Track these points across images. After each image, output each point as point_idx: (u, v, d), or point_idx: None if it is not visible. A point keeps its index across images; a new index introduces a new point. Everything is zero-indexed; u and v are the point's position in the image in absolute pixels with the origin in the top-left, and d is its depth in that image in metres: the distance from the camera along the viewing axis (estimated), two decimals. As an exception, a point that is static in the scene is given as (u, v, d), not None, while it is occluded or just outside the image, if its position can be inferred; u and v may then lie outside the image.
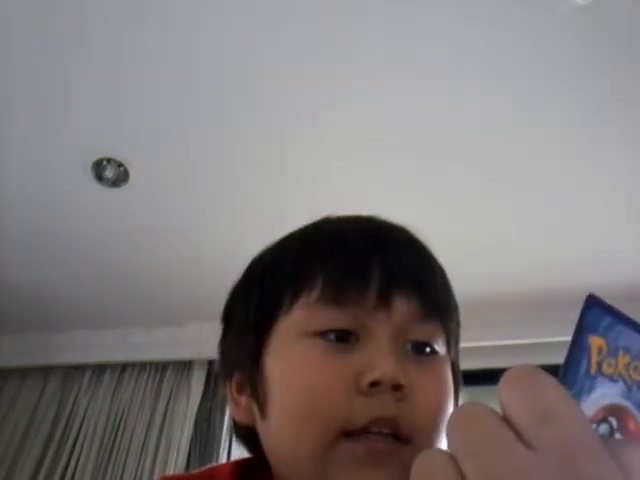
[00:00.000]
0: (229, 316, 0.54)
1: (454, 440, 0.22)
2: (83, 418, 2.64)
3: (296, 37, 1.49)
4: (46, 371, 2.84)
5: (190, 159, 1.88)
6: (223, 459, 2.41)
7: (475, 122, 1.66)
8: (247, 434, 0.50)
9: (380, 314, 0.44)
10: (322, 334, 0.44)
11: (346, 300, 0.44)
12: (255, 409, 0.48)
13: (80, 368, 2.80)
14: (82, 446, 2.56)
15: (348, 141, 1.76)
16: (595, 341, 0.25)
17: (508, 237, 2.04)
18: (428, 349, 0.46)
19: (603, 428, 0.25)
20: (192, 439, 2.45)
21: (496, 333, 2.16)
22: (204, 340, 2.54)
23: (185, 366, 2.65)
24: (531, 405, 0.22)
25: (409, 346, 0.45)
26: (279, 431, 0.45)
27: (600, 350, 0.25)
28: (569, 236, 2.00)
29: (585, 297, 0.26)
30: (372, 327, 0.44)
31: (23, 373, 2.88)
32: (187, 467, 2.38)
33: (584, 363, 0.25)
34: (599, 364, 0.25)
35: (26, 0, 1.46)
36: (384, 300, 0.44)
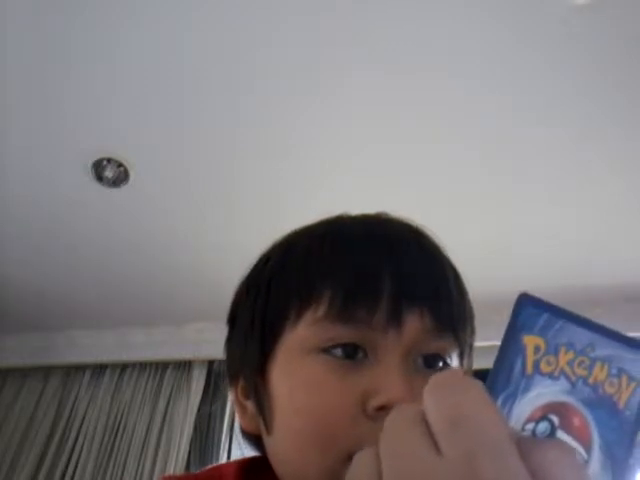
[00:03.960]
0: (235, 318, 0.52)
1: (382, 440, 0.23)
2: (83, 418, 2.65)
3: (296, 37, 1.49)
4: (46, 371, 2.85)
5: (190, 159, 1.88)
6: (223, 459, 2.41)
7: (474, 122, 1.66)
8: (254, 438, 0.49)
9: (390, 332, 0.42)
10: (328, 350, 0.42)
11: (354, 318, 0.42)
12: (260, 421, 0.47)
13: (80, 368, 2.80)
14: (82, 446, 2.56)
15: (349, 141, 1.76)
16: (531, 340, 0.25)
17: (508, 237, 2.04)
18: (440, 363, 0.44)
19: (542, 426, 0.25)
20: (192, 439, 2.45)
21: (494, 333, 2.16)
22: (204, 340, 2.55)
23: (185, 366, 2.65)
24: (445, 411, 0.22)
25: (420, 360, 0.43)
26: (284, 449, 0.44)
27: (537, 349, 0.25)
28: (569, 236, 2.00)
29: (517, 296, 0.26)
30: (381, 345, 0.42)
31: (23, 373, 2.88)
32: (187, 467, 2.38)
33: (518, 363, 0.25)
34: (536, 363, 0.25)
35: (24, 0, 1.46)
36: (395, 318, 0.42)
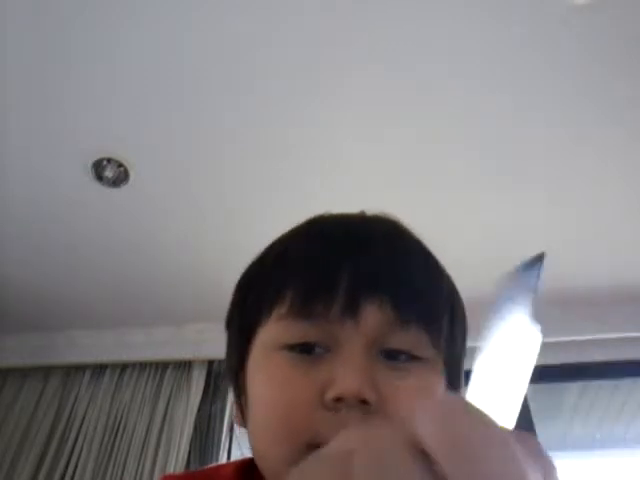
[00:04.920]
0: (228, 321, 0.55)
1: (361, 470, 0.21)
2: (83, 418, 2.64)
3: (296, 37, 1.49)
4: (46, 371, 2.84)
5: (190, 159, 1.88)
6: (223, 459, 2.41)
7: (475, 122, 1.66)
8: None
9: (347, 325, 0.43)
10: (291, 347, 0.44)
11: (312, 312, 0.43)
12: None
13: (80, 368, 2.80)
14: (82, 446, 2.55)
15: (349, 141, 1.76)
16: None
17: (508, 237, 2.04)
18: (403, 356, 0.44)
19: None
20: (192, 439, 2.44)
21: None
22: (204, 340, 2.55)
23: (185, 366, 2.65)
24: (445, 437, 0.21)
25: (382, 355, 0.44)
26: (257, 443, 0.46)
27: None
28: (568, 235, 2.00)
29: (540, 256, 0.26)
30: (340, 338, 0.43)
31: (23, 373, 2.88)
32: (187, 467, 2.38)
33: None
34: None
35: (24, 0, 1.46)
36: (350, 310, 0.43)
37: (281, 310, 0.45)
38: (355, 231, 0.49)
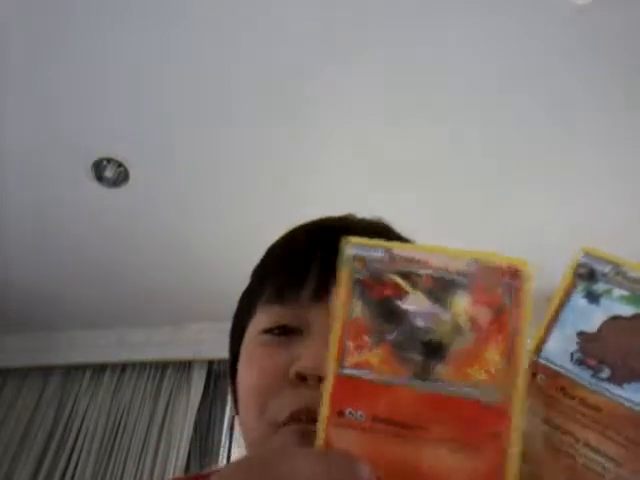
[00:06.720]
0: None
1: None
2: (83, 418, 2.65)
3: (298, 36, 1.50)
4: (46, 371, 2.85)
5: (190, 159, 1.88)
6: (223, 459, 2.41)
7: (472, 119, 1.67)
8: None
9: (316, 308, 0.46)
10: (268, 330, 0.48)
11: (285, 298, 0.48)
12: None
13: (80, 368, 2.80)
14: (82, 446, 2.56)
15: (353, 140, 1.76)
16: None
17: (507, 236, 2.04)
18: None
19: None
20: (192, 439, 2.45)
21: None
22: (204, 340, 2.55)
23: (185, 366, 2.65)
24: None
25: None
26: (241, 427, 0.49)
27: None
28: (568, 233, 2.00)
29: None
30: (310, 320, 0.46)
31: (23, 373, 2.88)
32: (187, 467, 2.38)
33: None
34: None
35: (23, 2, 1.46)
36: (319, 295, 0.46)
37: (262, 300, 0.50)
38: (332, 225, 0.52)
